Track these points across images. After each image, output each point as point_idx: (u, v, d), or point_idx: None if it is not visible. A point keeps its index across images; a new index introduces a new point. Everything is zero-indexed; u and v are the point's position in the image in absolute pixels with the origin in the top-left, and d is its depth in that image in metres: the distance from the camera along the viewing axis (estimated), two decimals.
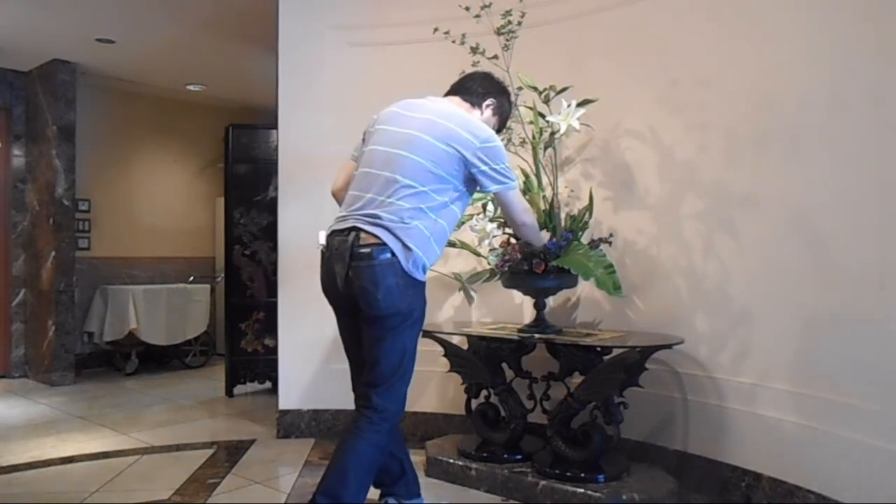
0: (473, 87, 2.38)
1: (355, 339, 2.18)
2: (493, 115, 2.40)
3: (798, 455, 2.41)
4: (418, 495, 2.37)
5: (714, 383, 2.73)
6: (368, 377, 2.09)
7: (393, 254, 2.00)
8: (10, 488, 2.89)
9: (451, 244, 3.15)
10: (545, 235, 2.68)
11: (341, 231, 2.08)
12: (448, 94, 2.39)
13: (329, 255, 2.11)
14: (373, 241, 2.01)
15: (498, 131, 2.42)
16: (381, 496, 2.35)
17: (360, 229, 2.04)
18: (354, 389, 2.22)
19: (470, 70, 2.89)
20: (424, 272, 2.09)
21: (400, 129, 2.16)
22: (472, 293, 3.18)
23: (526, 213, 2.35)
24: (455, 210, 2.19)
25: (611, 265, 2.68)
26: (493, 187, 2.16)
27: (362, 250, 2.01)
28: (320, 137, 3.63)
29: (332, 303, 2.21)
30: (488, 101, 2.38)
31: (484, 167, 2.12)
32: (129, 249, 6.17)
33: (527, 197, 2.92)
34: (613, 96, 2.98)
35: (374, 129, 2.24)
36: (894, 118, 2.15)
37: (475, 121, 2.22)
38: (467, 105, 2.34)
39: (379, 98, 3.54)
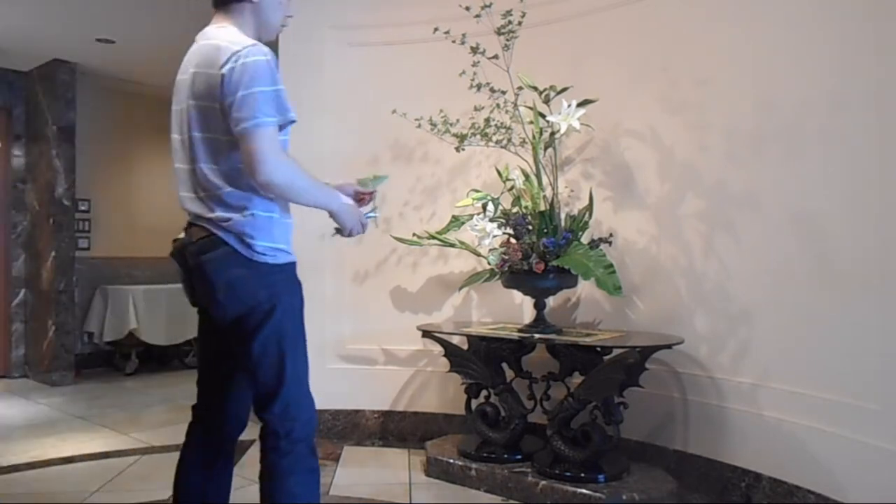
0: None
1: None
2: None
3: (798, 455, 2.41)
4: None
5: (714, 383, 2.73)
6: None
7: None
8: (10, 488, 2.89)
9: (451, 244, 3.16)
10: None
11: None
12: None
13: None
14: None
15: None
16: None
17: None
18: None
19: (469, 70, 2.91)
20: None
21: None
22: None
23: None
24: None
25: (611, 265, 2.68)
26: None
27: None
28: (320, 137, 3.63)
29: None
30: None
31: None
32: (129, 249, 6.17)
33: (526, 205, 2.92)
34: (613, 96, 2.98)
35: None
36: (894, 118, 2.15)
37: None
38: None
39: (379, 98, 3.57)
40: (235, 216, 1.63)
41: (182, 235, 1.73)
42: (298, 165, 1.64)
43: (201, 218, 1.66)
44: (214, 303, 1.65)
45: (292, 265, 1.72)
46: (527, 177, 2.96)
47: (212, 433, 1.85)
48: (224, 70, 1.59)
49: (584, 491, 2.52)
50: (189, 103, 1.68)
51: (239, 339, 1.66)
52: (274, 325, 1.64)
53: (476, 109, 3.02)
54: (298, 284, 1.74)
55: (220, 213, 1.63)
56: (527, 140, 2.95)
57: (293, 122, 1.66)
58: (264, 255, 1.64)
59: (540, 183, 2.91)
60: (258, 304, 1.63)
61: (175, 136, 1.74)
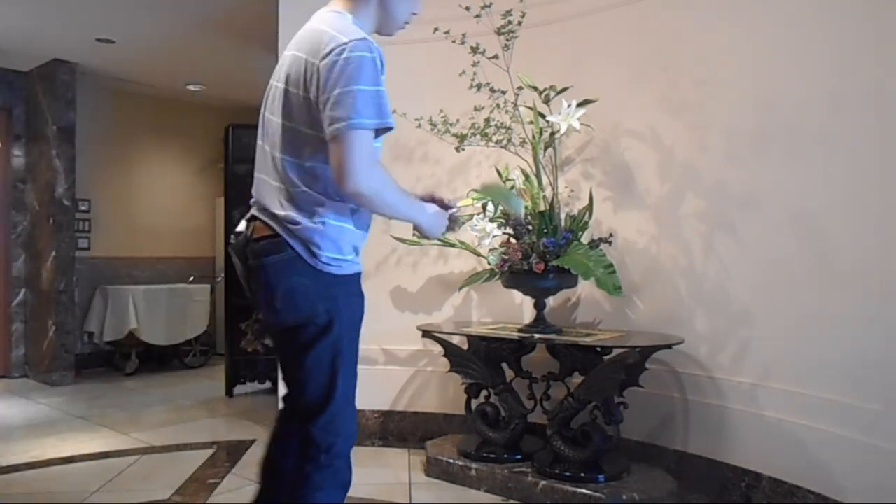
0: None
1: None
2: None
3: (798, 455, 2.41)
4: None
5: (714, 383, 2.73)
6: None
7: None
8: (10, 488, 2.89)
9: (451, 244, 3.16)
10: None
11: None
12: None
13: None
14: None
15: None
16: None
17: None
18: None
19: (469, 70, 2.91)
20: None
21: None
22: None
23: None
24: None
25: (611, 265, 2.68)
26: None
27: None
28: None
29: None
30: None
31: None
32: (129, 249, 6.17)
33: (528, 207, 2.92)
34: (613, 96, 2.98)
35: None
36: (894, 118, 2.15)
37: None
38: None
39: None
40: (305, 221, 1.53)
41: (242, 228, 1.64)
42: (389, 175, 1.54)
43: (267, 212, 1.57)
44: (271, 308, 1.57)
45: (357, 276, 1.63)
46: (527, 177, 2.96)
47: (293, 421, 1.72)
48: (324, 62, 1.47)
49: (584, 491, 2.52)
50: (281, 86, 1.60)
51: (292, 349, 1.59)
52: (330, 341, 1.55)
53: (476, 109, 3.02)
54: (361, 297, 1.65)
55: (289, 213, 1.54)
56: (527, 140, 2.95)
57: (390, 128, 1.53)
58: (329, 265, 1.55)
59: (540, 183, 2.91)
60: (316, 315, 1.54)
61: (264, 113, 1.67)
